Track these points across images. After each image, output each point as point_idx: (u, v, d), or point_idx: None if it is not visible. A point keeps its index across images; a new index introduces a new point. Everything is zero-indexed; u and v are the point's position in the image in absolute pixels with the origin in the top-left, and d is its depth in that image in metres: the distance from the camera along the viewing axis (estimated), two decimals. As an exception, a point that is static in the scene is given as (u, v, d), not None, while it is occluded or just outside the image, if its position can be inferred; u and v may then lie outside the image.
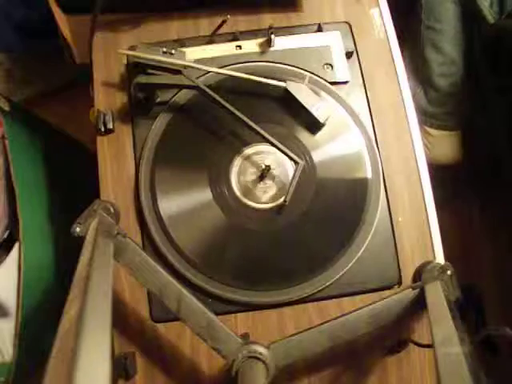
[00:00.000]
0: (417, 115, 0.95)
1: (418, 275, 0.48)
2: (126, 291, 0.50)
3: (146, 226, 0.51)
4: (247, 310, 0.50)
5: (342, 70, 0.56)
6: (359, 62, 0.57)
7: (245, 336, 0.46)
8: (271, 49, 0.56)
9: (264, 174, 0.51)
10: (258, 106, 0.54)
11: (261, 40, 0.57)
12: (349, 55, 0.57)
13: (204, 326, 0.41)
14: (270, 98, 0.54)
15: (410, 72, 0.90)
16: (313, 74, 0.55)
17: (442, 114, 0.92)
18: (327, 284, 0.49)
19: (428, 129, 0.93)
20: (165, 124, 0.53)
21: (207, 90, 0.51)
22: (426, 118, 0.93)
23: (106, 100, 0.55)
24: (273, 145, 0.50)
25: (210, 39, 0.57)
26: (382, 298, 0.44)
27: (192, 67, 0.52)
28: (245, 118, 0.50)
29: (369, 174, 0.53)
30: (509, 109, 0.81)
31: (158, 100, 0.54)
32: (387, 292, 0.50)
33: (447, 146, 0.95)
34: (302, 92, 0.52)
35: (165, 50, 0.51)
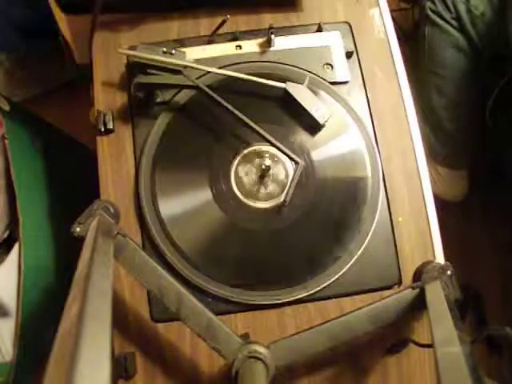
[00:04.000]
0: (426, 152, 0.94)
1: (418, 275, 0.48)
2: (125, 291, 0.50)
3: (145, 226, 0.51)
4: (247, 309, 0.49)
5: (342, 70, 0.56)
6: (359, 62, 0.57)
7: (245, 336, 0.46)
8: (271, 49, 0.56)
9: (264, 174, 0.51)
10: (257, 106, 0.54)
11: (261, 40, 0.57)
12: (349, 55, 0.57)
13: (204, 325, 0.41)
14: (270, 98, 0.54)
15: (420, 113, 0.91)
16: (313, 74, 0.55)
17: (449, 155, 0.94)
18: (327, 284, 0.49)
19: (437, 167, 0.96)
20: (165, 124, 0.53)
21: (207, 90, 0.51)
22: (436, 156, 0.95)
23: (105, 100, 0.55)
24: (273, 145, 0.50)
25: (210, 39, 0.57)
26: (382, 298, 0.44)
27: (192, 67, 0.52)
28: (245, 118, 0.50)
29: (369, 174, 0.53)
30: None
31: (158, 100, 0.54)
32: (387, 292, 0.50)
33: (454, 185, 0.98)
34: (301, 93, 0.52)
35: (165, 49, 0.51)
